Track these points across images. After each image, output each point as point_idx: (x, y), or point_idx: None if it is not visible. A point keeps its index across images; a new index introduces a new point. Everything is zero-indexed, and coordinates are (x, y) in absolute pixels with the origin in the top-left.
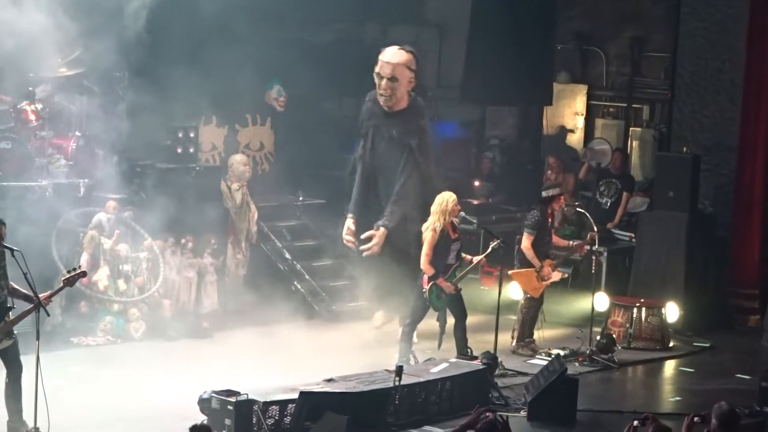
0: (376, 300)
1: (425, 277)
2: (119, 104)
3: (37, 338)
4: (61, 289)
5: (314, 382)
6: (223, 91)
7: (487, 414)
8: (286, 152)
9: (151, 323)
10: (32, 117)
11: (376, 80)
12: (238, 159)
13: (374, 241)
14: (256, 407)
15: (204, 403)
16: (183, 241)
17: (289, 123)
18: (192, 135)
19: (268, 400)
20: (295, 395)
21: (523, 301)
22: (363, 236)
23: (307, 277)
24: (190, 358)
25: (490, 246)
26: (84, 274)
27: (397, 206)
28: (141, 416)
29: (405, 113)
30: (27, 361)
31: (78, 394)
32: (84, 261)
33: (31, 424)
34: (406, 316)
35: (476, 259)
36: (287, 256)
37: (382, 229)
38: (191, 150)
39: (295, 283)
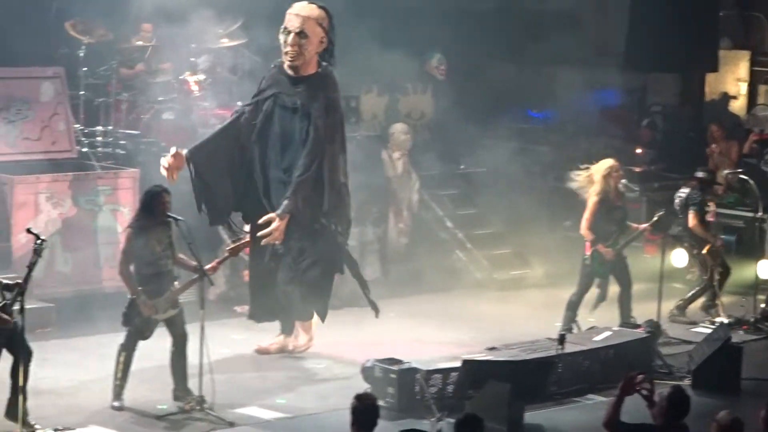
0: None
1: (587, 243)
2: None
3: (202, 307)
4: (225, 258)
5: (477, 351)
6: (383, 61)
7: (639, 378)
8: (447, 121)
9: None
10: (195, 88)
11: (282, 38)
12: (399, 128)
13: (274, 226)
14: (418, 376)
15: (367, 372)
16: None
17: (449, 91)
18: (353, 104)
19: (430, 369)
20: (458, 364)
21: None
22: (260, 221)
23: (468, 245)
24: (353, 327)
25: (656, 214)
26: (248, 243)
27: (297, 196)
28: (304, 385)
29: (312, 80)
30: (192, 330)
31: (241, 363)
32: (248, 230)
33: (196, 393)
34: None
35: (642, 227)
36: (449, 224)
37: (278, 220)
38: (352, 119)
39: (457, 251)
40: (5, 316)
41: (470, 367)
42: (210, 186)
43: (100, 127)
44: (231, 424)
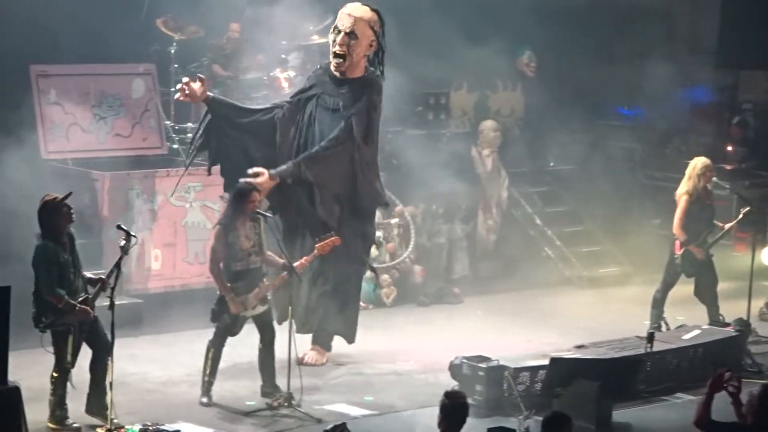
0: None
1: (677, 242)
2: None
3: (290, 304)
4: (314, 256)
5: (565, 349)
6: (473, 58)
7: (726, 375)
8: (537, 117)
9: (402, 289)
10: (285, 84)
11: (331, 37)
12: (488, 125)
13: (259, 180)
14: (506, 373)
15: (455, 369)
16: (434, 207)
17: (539, 88)
18: (443, 101)
19: (519, 367)
20: (546, 362)
21: None
22: (250, 171)
23: (557, 242)
24: (441, 324)
25: (741, 212)
26: (337, 240)
27: (302, 166)
28: (392, 382)
29: (357, 83)
30: (280, 327)
31: (330, 360)
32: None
33: (284, 389)
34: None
35: (728, 225)
36: (538, 221)
37: (266, 176)
38: (442, 116)
39: (546, 249)
40: (87, 309)
41: (558, 364)
42: (221, 140)
43: (190, 124)
44: (318, 421)
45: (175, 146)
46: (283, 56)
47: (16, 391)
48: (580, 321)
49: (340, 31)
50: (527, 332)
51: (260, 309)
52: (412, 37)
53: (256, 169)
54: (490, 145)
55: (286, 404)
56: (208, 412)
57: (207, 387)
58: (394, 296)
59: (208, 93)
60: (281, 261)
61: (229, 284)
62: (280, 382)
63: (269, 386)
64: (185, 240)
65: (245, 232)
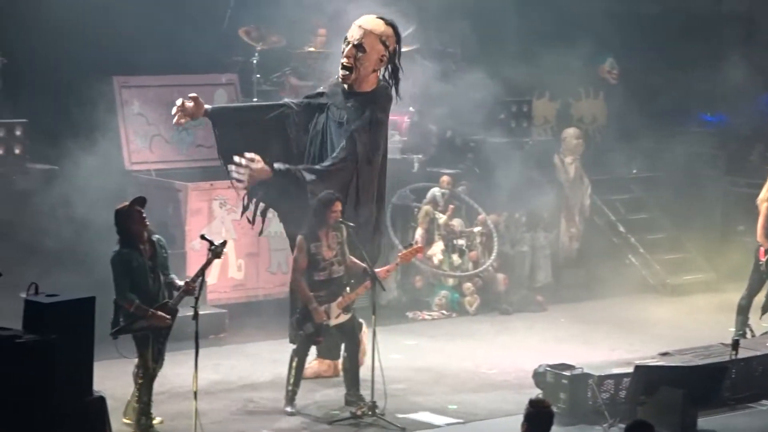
0: None
1: (761, 249)
2: (452, 79)
3: (374, 313)
4: (397, 264)
5: (649, 356)
6: (556, 66)
7: None
8: (620, 125)
9: (485, 297)
10: None
11: (342, 46)
12: (571, 132)
13: (255, 166)
14: (591, 381)
15: (539, 377)
16: (516, 215)
17: (622, 96)
18: (525, 109)
19: (603, 374)
20: (631, 369)
21: None
22: (248, 155)
23: (641, 250)
24: (525, 332)
25: None
26: (420, 249)
27: (303, 173)
28: (475, 390)
29: (363, 98)
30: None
31: (413, 368)
32: (419, 236)
33: (368, 398)
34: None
35: None
36: (621, 229)
37: (260, 162)
38: (524, 124)
39: (629, 256)
40: (160, 314)
41: (643, 372)
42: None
43: None
44: (402, 430)
45: None
46: None
47: (101, 401)
48: (664, 328)
49: (348, 42)
50: (611, 340)
51: (343, 318)
52: (495, 45)
53: (252, 155)
54: (572, 152)
55: (370, 413)
56: (292, 421)
57: (291, 396)
58: (477, 304)
59: (206, 106)
60: (364, 269)
61: (312, 293)
62: (364, 390)
63: (353, 395)
64: (268, 250)
65: (327, 242)
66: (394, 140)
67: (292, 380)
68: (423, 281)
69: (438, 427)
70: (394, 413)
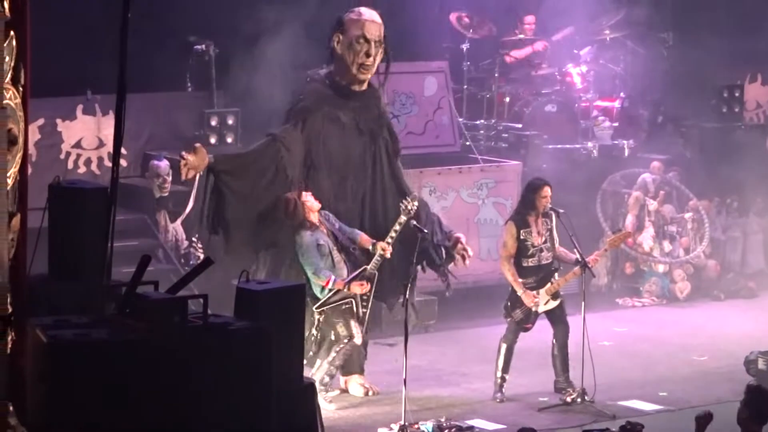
0: None
1: None
2: (663, 65)
3: (583, 299)
4: (606, 250)
5: None
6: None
7: None
8: None
9: (696, 284)
10: (577, 80)
11: (357, 47)
12: None
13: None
14: None
15: (750, 364)
16: (728, 200)
17: None
18: (737, 94)
19: None
20: None
21: None
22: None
23: None
24: (736, 319)
25: None
26: (629, 235)
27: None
28: (686, 377)
29: (366, 96)
30: (573, 322)
31: (623, 355)
32: (629, 222)
33: (578, 385)
34: None
35: None
36: None
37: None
38: (736, 109)
39: None
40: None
41: None
42: (231, 203)
43: (482, 121)
44: (613, 417)
45: (468, 143)
46: (575, 51)
47: (311, 387)
48: None
49: (368, 40)
50: None
51: (552, 304)
52: (705, 31)
53: (197, 145)
54: None
55: (579, 400)
56: (501, 408)
57: (500, 383)
58: (688, 291)
59: (209, 156)
60: (573, 256)
61: (521, 280)
62: (574, 377)
63: (563, 382)
64: (478, 236)
65: (537, 228)
66: (605, 126)
67: (501, 367)
68: (633, 267)
69: (648, 414)
70: (603, 400)
